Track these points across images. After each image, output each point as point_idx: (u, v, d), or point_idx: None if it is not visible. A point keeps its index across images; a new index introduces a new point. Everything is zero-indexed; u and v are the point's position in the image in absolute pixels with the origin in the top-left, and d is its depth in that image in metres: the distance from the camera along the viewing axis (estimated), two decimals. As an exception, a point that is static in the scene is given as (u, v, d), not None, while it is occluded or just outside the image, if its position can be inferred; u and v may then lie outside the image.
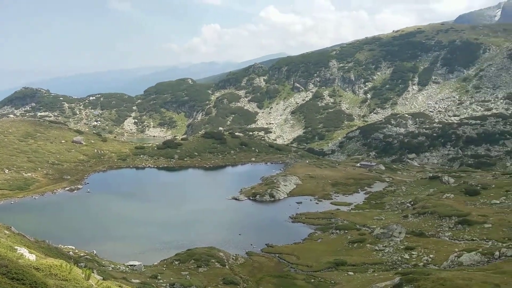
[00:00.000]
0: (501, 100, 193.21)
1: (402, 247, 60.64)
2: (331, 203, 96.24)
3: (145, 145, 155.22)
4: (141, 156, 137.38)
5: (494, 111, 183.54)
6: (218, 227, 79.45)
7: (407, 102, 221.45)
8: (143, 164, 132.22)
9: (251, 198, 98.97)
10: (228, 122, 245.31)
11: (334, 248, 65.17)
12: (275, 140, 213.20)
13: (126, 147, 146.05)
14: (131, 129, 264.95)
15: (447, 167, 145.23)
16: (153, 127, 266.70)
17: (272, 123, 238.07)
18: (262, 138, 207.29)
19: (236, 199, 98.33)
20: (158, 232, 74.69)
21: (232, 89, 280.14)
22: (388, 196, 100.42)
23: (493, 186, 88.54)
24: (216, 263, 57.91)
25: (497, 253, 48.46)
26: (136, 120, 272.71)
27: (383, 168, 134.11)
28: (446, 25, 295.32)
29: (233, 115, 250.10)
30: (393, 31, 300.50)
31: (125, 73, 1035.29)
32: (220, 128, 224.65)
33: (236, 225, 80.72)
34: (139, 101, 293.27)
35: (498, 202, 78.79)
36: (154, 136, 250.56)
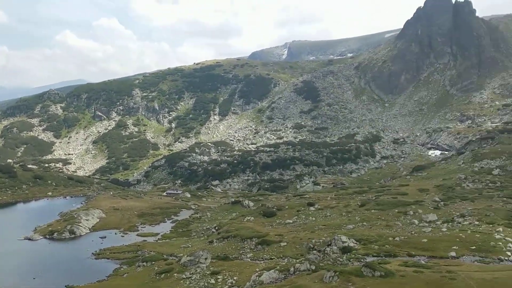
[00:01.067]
0: (290, 129, 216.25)
1: (208, 272, 61.75)
2: (138, 234, 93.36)
3: None
4: None
5: (285, 139, 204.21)
6: (7, 273, 69.63)
7: (209, 131, 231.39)
8: None
9: (48, 236, 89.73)
10: (19, 153, 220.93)
11: (141, 282, 62.92)
12: (76, 171, 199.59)
13: None
14: None
15: (247, 191, 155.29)
16: None
17: (72, 154, 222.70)
18: (60, 170, 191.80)
19: (29, 239, 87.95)
20: None
21: (23, 117, 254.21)
22: (194, 223, 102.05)
23: (287, 207, 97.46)
24: (4, 316, 50.38)
25: (292, 269, 52.92)
26: None
27: (189, 195, 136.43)
28: (242, 61, 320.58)
29: (25, 146, 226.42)
30: (194, 63, 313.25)
31: None
32: (9, 160, 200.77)
33: (30, 268, 71.89)
34: None
35: (291, 221, 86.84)
36: None
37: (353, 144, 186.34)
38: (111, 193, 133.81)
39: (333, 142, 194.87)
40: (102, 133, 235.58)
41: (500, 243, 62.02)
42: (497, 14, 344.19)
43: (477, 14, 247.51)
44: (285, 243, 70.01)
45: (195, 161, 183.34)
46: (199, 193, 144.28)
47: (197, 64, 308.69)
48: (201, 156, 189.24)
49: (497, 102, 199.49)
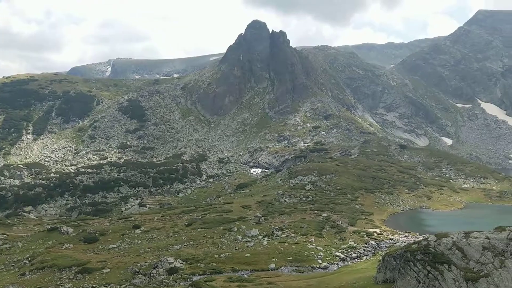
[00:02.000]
0: (115, 150, 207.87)
1: (18, 310, 55.02)
2: None
3: None
4: None
5: (108, 159, 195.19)
6: None
7: (21, 152, 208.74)
8: None
9: None
10: None
11: None
12: None
13: None
14: None
15: (65, 217, 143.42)
16: None
17: None
18: None
19: None
20: None
21: None
22: (2, 255, 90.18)
23: (110, 231, 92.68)
24: None
25: (116, 296, 50.20)
26: None
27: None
28: (60, 76, 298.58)
29: None
30: (4, 77, 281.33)
31: None
32: None
33: None
34: None
35: (115, 246, 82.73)
36: None
37: (180, 164, 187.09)
38: None
39: (160, 162, 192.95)
40: None
41: (313, 252, 68.11)
42: (307, 45, 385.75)
43: (290, 44, 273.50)
44: (109, 269, 66.31)
45: (4, 186, 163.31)
46: (9, 221, 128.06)
47: (7, 78, 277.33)
48: (11, 179, 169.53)
49: (308, 124, 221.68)
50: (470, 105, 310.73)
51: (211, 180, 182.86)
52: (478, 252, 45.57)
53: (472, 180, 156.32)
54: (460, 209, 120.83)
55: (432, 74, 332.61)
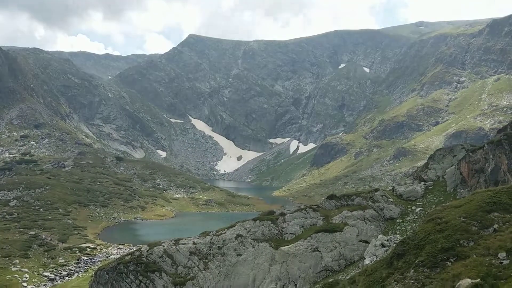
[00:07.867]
0: None
1: None
2: None
3: None
4: None
5: None
6: None
7: None
8: None
9: None
10: None
11: None
12: None
13: None
14: None
15: None
16: None
17: None
18: None
19: None
20: None
21: None
22: None
23: None
24: None
25: None
26: None
27: None
28: None
29: None
30: None
31: None
32: None
33: None
34: None
35: None
36: None
37: None
38: None
39: None
40: None
41: (17, 275, 61.55)
42: (15, 45, 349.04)
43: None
44: None
45: None
46: None
47: None
48: None
49: (15, 133, 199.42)
50: (182, 121, 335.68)
51: None
52: (186, 257, 48.92)
53: (182, 190, 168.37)
54: (172, 217, 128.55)
55: (148, 89, 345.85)
